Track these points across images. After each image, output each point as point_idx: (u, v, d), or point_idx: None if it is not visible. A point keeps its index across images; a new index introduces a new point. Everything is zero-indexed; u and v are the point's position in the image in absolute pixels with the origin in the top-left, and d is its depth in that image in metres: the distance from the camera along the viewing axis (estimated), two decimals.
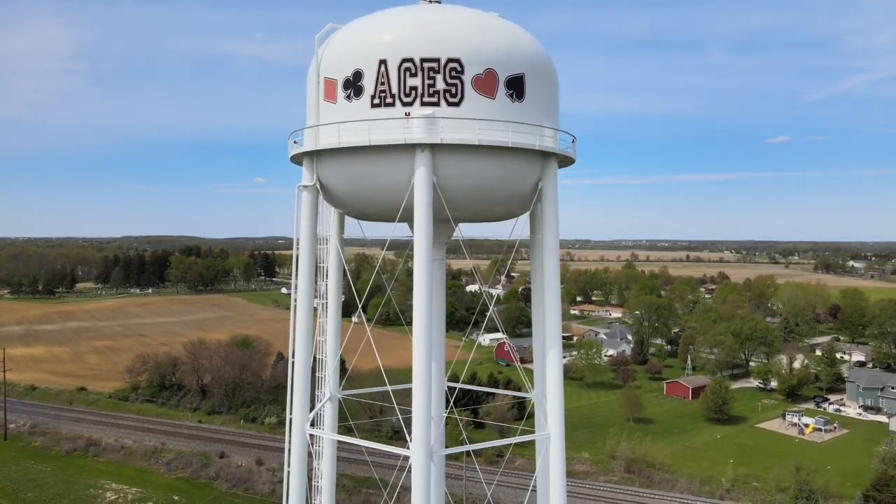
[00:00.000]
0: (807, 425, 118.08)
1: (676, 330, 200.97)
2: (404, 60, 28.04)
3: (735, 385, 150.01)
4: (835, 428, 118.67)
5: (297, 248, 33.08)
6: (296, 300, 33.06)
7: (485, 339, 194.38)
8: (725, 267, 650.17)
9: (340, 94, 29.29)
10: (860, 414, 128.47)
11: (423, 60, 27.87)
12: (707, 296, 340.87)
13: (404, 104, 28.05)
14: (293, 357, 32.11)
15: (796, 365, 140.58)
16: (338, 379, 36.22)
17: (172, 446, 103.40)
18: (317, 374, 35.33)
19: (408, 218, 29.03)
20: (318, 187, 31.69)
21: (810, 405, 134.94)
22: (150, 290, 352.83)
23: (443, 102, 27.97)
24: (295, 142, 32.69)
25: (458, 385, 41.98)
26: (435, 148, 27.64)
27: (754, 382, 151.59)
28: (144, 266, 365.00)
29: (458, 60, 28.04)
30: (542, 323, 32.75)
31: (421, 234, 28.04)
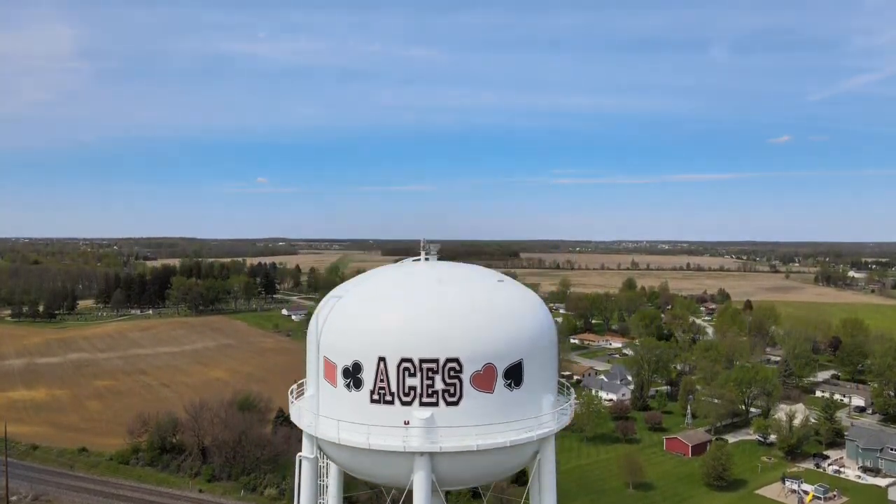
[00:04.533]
0: (806, 493, 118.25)
1: (677, 367, 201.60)
2: (403, 360, 28.27)
3: (734, 438, 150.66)
4: (834, 496, 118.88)
5: None
6: None
7: None
8: (726, 277, 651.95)
9: (340, 380, 29.52)
10: (859, 477, 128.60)
11: (421, 361, 28.11)
12: (707, 317, 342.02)
13: (403, 403, 28.30)
14: None
15: (796, 423, 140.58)
16: None
17: None
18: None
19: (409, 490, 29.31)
20: (319, 455, 31.93)
21: (810, 464, 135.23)
22: (150, 312, 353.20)
23: (441, 402, 28.22)
24: (300, 390, 33.18)
25: None
26: (434, 453, 27.89)
27: (754, 435, 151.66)
28: (145, 286, 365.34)
29: (456, 360, 28.26)
30: None
31: None
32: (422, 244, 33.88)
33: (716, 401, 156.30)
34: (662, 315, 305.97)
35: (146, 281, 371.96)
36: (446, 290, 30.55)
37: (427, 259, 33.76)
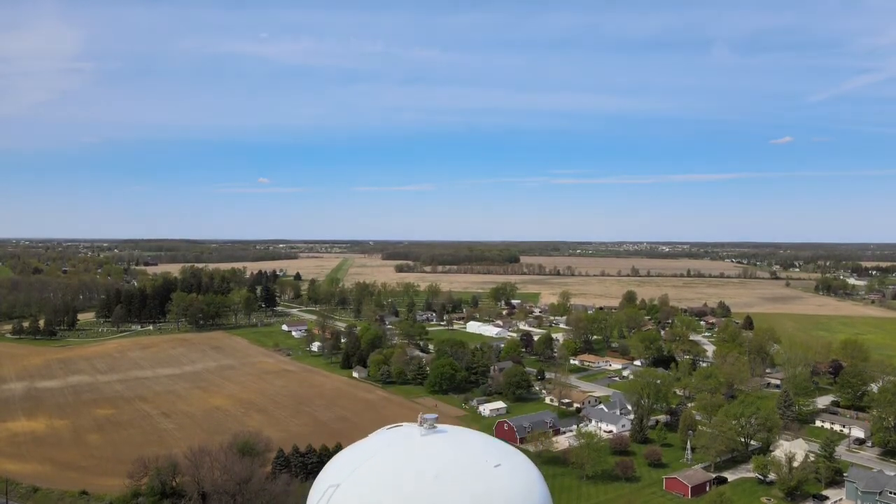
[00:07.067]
0: None
1: (677, 392, 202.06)
2: None
3: (734, 475, 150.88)
4: None
5: None
6: None
7: (485, 409, 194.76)
8: (726, 285, 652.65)
9: None
10: None
11: None
12: (707, 333, 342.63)
13: None
14: None
15: (795, 464, 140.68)
16: None
17: None
18: None
19: None
20: None
21: None
22: (150, 327, 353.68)
23: None
24: None
25: None
26: None
27: (754, 472, 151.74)
28: (146, 301, 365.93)
29: None
30: None
31: None
32: (419, 420, 34.02)
33: (716, 432, 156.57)
34: (662, 332, 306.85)
35: (146, 295, 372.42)
36: (442, 487, 30.60)
37: (424, 429, 33.79)
